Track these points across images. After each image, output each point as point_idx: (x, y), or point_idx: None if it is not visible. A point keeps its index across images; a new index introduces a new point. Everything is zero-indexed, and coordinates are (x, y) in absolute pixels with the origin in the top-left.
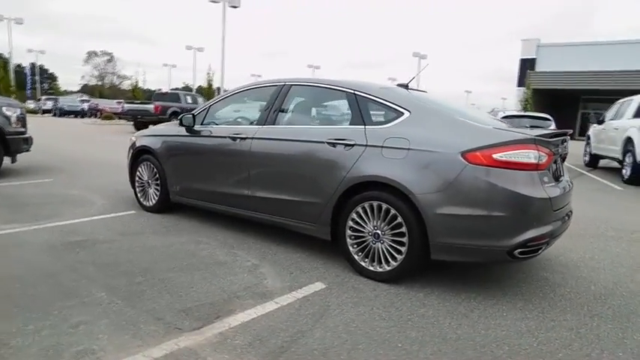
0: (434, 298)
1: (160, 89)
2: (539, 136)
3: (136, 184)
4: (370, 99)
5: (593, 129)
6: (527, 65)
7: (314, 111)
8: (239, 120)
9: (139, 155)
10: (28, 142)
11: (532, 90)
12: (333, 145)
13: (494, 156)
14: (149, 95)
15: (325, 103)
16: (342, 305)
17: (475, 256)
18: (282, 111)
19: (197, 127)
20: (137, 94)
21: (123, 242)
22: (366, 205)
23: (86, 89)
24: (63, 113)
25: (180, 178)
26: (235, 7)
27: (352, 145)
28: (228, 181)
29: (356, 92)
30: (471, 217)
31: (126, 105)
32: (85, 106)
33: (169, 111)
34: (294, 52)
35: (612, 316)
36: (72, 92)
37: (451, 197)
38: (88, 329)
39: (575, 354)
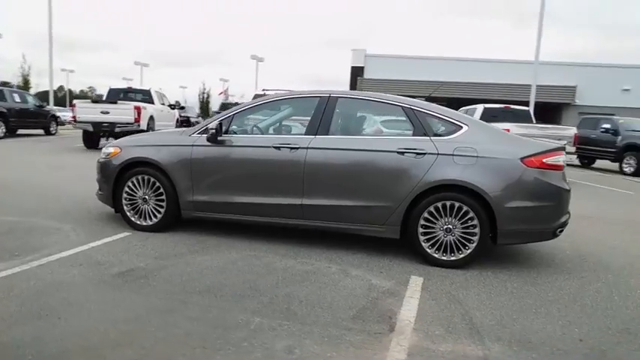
0: (503, 275)
1: None
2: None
3: (125, 202)
4: (428, 114)
5: None
6: (357, 73)
7: (370, 123)
8: (276, 129)
9: (128, 168)
10: None
11: None
12: (402, 153)
13: (544, 160)
14: None
15: (380, 116)
16: (453, 292)
17: (531, 238)
18: (334, 122)
19: (221, 137)
20: None
21: (176, 266)
22: (439, 204)
23: None
24: None
25: (201, 192)
26: None
27: (424, 154)
28: (274, 191)
29: (413, 107)
30: (530, 208)
31: None
32: None
33: None
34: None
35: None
36: None
37: (515, 193)
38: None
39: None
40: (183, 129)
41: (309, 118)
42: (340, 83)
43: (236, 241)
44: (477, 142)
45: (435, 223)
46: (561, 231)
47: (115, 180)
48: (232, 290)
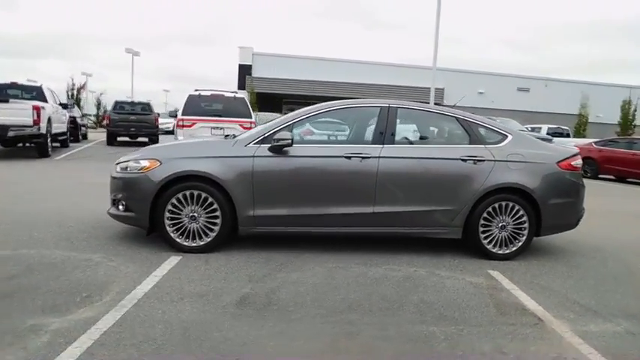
0: (552, 263)
1: None
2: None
3: (168, 222)
4: (479, 124)
5: None
6: (245, 71)
7: (430, 132)
8: (335, 138)
9: (172, 184)
10: None
11: (255, 93)
12: (465, 160)
13: (572, 163)
14: None
15: (437, 126)
16: (539, 282)
17: (563, 229)
18: (396, 131)
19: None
20: None
21: (283, 286)
22: (496, 205)
23: None
24: None
25: (263, 206)
26: None
27: (483, 161)
28: (345, 201)
29: (466, 118)
30: (563, 203)
31: None
32: None
33: None
34: None
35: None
36: None
37: (554, 192)
38: None
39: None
40: (220, 138)
41: (344, 126)
42: (220, 82)
43: (303, 254)
44: (522, 149)
45: (491, 222)
46: (579, 221)
47: (153, 199)
48: (369, 304)
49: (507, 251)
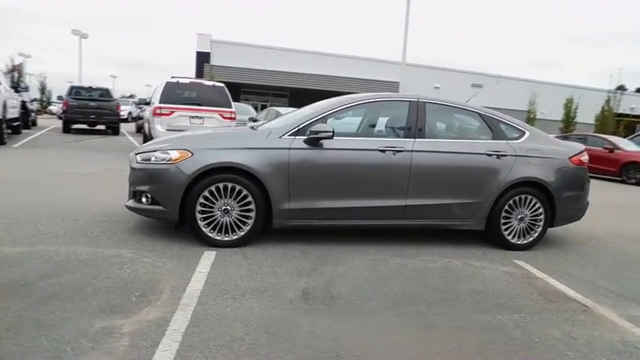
0: (567, 253)
1: None
2: None
3: (199, 215)
4: (500, 120)
5: None
6: (203, 59)
7: (457, 126)
8: (366, 131)
9: (205, 175)
10: None
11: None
12: (490, 155)
13: (581, 159)
14: None
15: (462, 121)
16: (569, 271)
17: (571, 220)
18: (425, 126)
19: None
20: None
21: (337, 279)
22: (517, 197)
23: None
24: None
25: (299, 199)
26: None
27: (505, 155)
28: (378, 194)
29: (488, 114)
30: (574, 196)
31: None
32: None
33: None
34: None
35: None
36: None
37: (567, 185)
38: None
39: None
40: (247, 129)
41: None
42: (172, 69)
43: (335, 247)
44: (539, 144)
45: (511, 214)
46: (584, 213)
47: (183, 192)
48: (427, 295)
49: (525, 242)
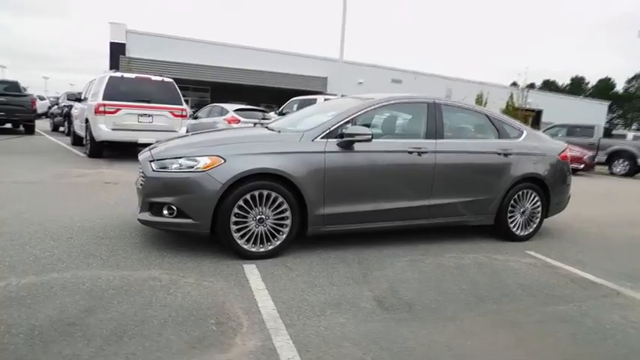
0: (570, 243)
1: None
2: None
3: (234, 226)
4: (503, 121)
5: None
6: (118, 50)
7: (468, 127)
8: (390, 133)
9: (240, 183)
10: None
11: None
12: (499, 154)
13: (567, 155)
14: None
15: (472, 122)
16: (580, 259)
17: (561, 210)
18: (443, 127)
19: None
20: None
21: (409, 284)
22: (520, 192)
23: None
24: None
25: (333, 204)
26: None
27: (512, 154)
28: (406, 195)
29: (493, 115)
30: (563, 189)
31: None
32: None
33: None
34: None
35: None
36: None
37: (558, 179)
38: None
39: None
40: (279, 133)
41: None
42: (68, 60)
43: (365, 250)
44: (535, 142)
45: (514, 208)
46: (568, 202)
47: (218, 201)
48: (486, 293)
49: (526, 233)
